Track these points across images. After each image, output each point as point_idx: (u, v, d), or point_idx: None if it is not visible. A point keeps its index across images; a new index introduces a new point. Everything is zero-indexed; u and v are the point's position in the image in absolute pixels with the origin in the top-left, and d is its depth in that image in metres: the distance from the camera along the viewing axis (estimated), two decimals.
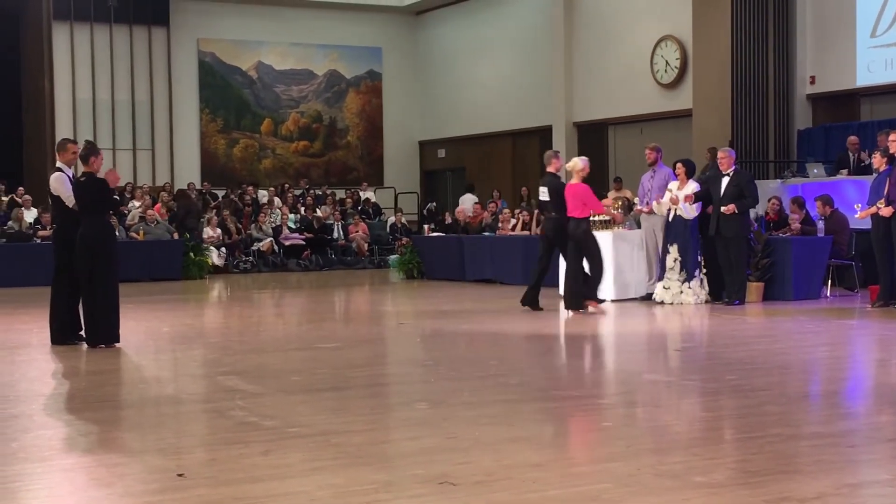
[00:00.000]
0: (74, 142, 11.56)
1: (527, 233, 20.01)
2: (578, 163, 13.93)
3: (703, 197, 14.63)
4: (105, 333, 10.65)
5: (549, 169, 14.20)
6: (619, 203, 16.06)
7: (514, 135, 28.30)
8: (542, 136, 26.99)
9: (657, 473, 5.38)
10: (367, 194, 28.84)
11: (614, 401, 7.73)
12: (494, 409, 7.20)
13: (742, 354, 9.78)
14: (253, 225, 25.04)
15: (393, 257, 23.85)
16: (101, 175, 10.87)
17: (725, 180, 14.31)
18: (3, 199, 24.35)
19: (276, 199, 26.76)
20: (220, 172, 28.87)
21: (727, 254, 14.29)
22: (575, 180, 13.85)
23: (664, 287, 14.63)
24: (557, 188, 13.95)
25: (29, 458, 6.02)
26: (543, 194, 14.20)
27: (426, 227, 24.07)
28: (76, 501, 5.17)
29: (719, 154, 14.76)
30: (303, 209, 26.62)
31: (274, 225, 25.23)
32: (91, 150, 10.92)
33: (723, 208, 14.14)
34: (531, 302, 14.24)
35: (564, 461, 5.72)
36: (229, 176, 28.82)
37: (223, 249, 23.79)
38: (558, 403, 7.63)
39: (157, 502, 5.04)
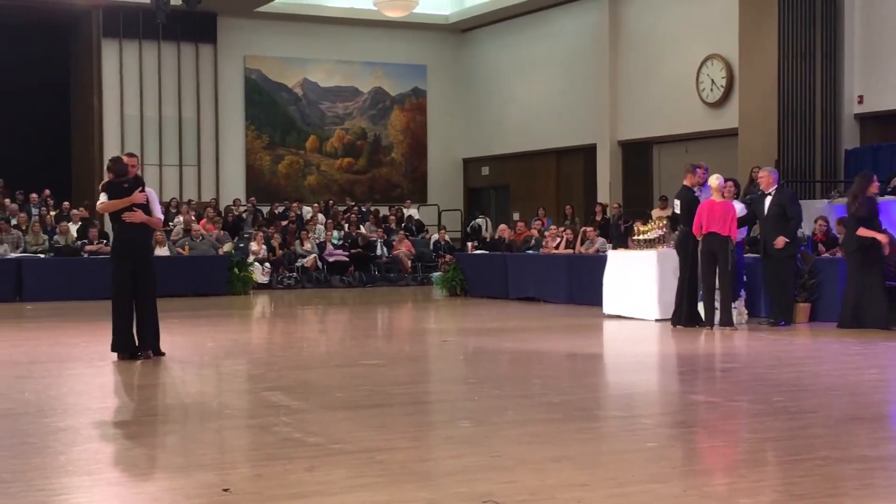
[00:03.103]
0: (133, 155, 11.66)
1: (570, 251, 19.97)
2: (714, 181, 13.85)
3: (749, 218, 14.55)
4: (143, 344, 10.85)
5: (685, 182, 14.15)
6: (664, 222, 15.98)
7: (559, 153, 28.26)
8: (587, 154, 26.96)
9: (702, 495, 5.34)
10: (411, 211, 28.91)
11: (659, 421, 7.68)
12: (538, 428, 7.19)
13: (789, 376, 9.70)
14: (297, 241, 25.15)
15: (436, 274, 23.88)
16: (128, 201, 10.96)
17: (769, 200, 14.19)
18: (51, 213, 24.62)
19: (321, 216, 26.88)
20: (265, 188, 29.04)
21: (775, 274, 14.18)
22: (716, 197, 13.75)
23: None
24: (689, 202, 13.92)
25: (76, 472, 6.08)
26: (676, 207, 14.21)
27: (469, 244, 24.08)
28: None
29: (760, 173, 14.65)
30: (347, 226, 26.71)
31: (318, 241, 25.34)
32: (123, 164, 11.14)
33: (775, 242, 13.94)
34: (689, 319, 14.01)
35: (609, 481, 5.69)
36: (274, 192, 28.98)
37: (267, 265, 23.91)
38: (602, 423, 7.60)
39: None
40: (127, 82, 27.32)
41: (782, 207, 14.04)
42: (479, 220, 28.67)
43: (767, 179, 14.28)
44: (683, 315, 14.04)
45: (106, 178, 11.41)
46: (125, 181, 11.01)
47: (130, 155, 11.66)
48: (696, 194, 14.14)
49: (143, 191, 11.09)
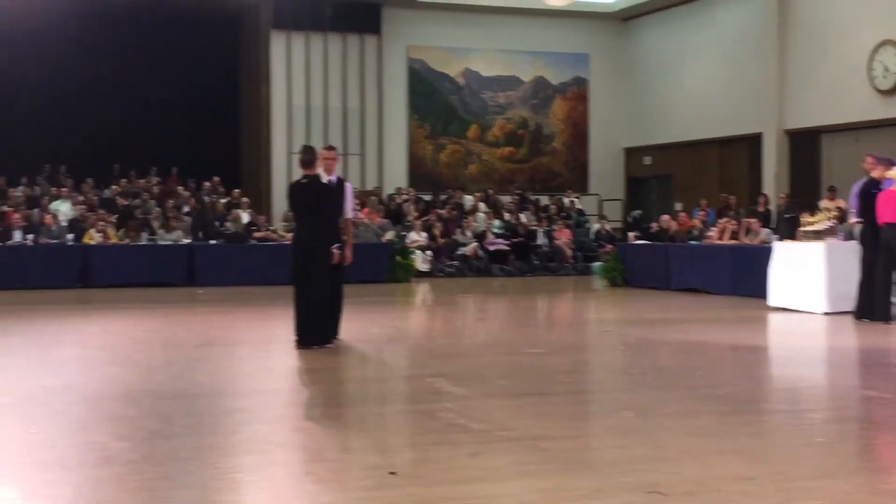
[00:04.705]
0: (331, 148, 11.76)
1: (734, 242, 19.61)
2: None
3: None
4: (316, 334, 10.88)
5: (873, 174, 13.81)
6: (834, 213, 15.56)
7: (722, 142, 27.75)
8: (752, 143, 26.40)
9: (874, 492, 5.21)
10: (572, 201, 28.79)
11: (828, 416, 7.51)
12: (702, 420, 7.11)
13: None
14: (458, 230, 25.33)
15: (597, 264, 23.75)
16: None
17: None
18: (222, 200, 25.29)
19: (482, 205, 27.00)
20: (427, 177, 29.30)
21: None
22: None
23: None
24: (869, 193, 13.61)
25: (249, 451, 6.27)
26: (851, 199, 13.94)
27: (631, 234, 23.86)
28: (294, 494, 5.36)
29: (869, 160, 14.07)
30: (507, 214, 26.77)
31: (479, 230, 25.47)
32: (313, 154, 11.19)
33: None
34: (870, 313, 13.62)
35: (776, 475, 5.59)
36: (436, 181, 29.21)
37: (429, 253, 24.15)
38: (768, 416, 7.47)
39: (371, 498, 5.17)
40: (294, 73, 27.89)
41: None
42: (635, 213, 28.40)
43: (879, 169, 13.75)
44: (865, 308, 13.64)
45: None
46: (307, 178, 11.02)
47: (329, 148, 11.76)
48: (879, 185, 13.67)
49: (333, 183, 11.17)
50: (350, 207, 11.54)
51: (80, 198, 23.64)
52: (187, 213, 23.46)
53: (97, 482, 5.47)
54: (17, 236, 20.95)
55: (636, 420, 7.13)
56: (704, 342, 11.83)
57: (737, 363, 10.55)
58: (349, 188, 11.62)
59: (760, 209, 22.23)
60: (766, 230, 19.75)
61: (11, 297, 17.93)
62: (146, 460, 5.93)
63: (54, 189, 24.10)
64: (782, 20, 25.15)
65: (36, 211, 22.31)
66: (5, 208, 22.20)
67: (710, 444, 6.34)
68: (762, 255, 16.58)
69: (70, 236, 21.40)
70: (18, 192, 23.51)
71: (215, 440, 6.51)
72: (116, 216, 22.76)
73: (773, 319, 14.50)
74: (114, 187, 25.08)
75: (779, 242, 16.43)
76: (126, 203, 24.01)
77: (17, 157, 25.17)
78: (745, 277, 17.91)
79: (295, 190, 11.09)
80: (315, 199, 10.89)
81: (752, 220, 20.19)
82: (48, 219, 21.63)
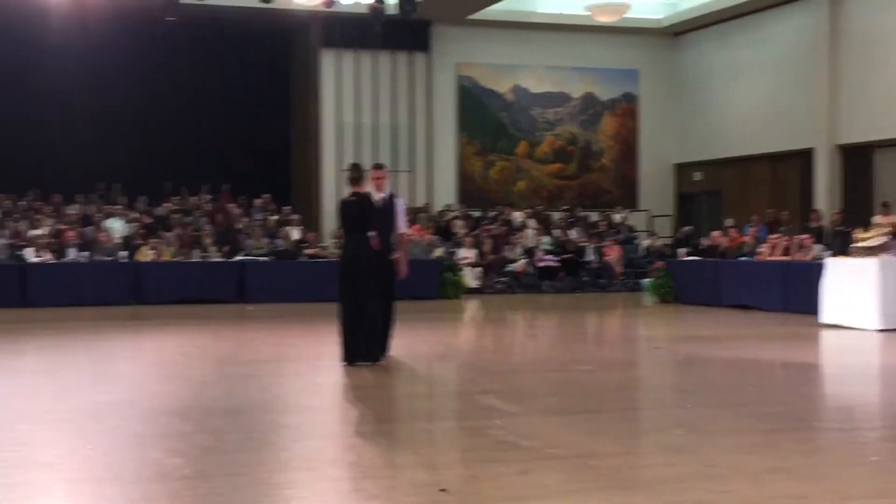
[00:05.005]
0: (380, 167, 11.87)
1: (787, 257, 19.47)
2: None
3: None
4: (364, 351, 10.93)
5: None
6: (887, 229, 15.41)
7: (773, 157, 27.56)
8: (803, 159, 26.20)
9: None
10: (621, 217, 28.70)
11: (882, 434, 7.44)
12: (753, 438, 7.07)
13: None
14: (507, 246, 25.32)
15: (646, 280, 23.65)
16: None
17: None
18: (272, 217, 25.47)
19: (531, 221, 26.98)
20: (477, 194, 29.33)
21: None
22: None
23: None
24: None
25: (299, 468, 6.32)
26: None
27: (681, 250, 23.74)
28: None
29: None
30: (556, 231, 26.74)
31: (528, 246, 25.46)
32: (361, 172, 11.32)
33: None
34: None
35: (829, 494, 5.55)
36: (485, 197, 29.24)
37: (478, 269, 24.18)
38: (820, 434, 7.41)
39: None
40: (344, 91, 28.06)
41: None
42: (686, 229, 28.25)
43: None
44: None
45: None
46: (356, 195, 11.15)
47: (377, 167, 11.87)
48: None
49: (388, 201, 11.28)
50: (403, 222, 11.61)
51: (134, 215, 23.90)
52: (239, 231, 23.59)
53: (152, 498, 5.54)
54: (72, 253, 21.24)
55: (687, 437, 7.10)
56: (756, 359, 11.75)
57: (788, 380, 10.48)
58: (401, 204, 11.71)
59: (813, 225, 22.06)
60: (819, 246, 19.59)
61: (66, 313, 18.17)
62: (199, 476, 6.00)
63: (108, 206, 24.38)
64: (834, 34, 24.97)
65: (90, 228, 22.59)
66: (61, 226, 22.51)
67: (762, 462, 6.30)
68: (814, 272, 16.45)
69: (123, 253, 21.64)
70: (73, 210, 23.81)
71: (266, 456, 6.57)
72: (168, 233, 22.98)
73: (826, 336, 14.37)
74: (166, 205, 25.31)
75: (831, 258, 16.29)
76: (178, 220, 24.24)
77: (71, 176, 25.50)
78: (796, 294, 17.77)
79: (343, 207, 11.22)
80: (362, 216, 10.99)
81: (805, 237, 20.03)
82: (102, 236, 21.90)
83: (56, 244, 21.39)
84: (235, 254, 22.28)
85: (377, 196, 11.28)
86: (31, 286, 20.14)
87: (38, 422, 7.82)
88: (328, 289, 17.84)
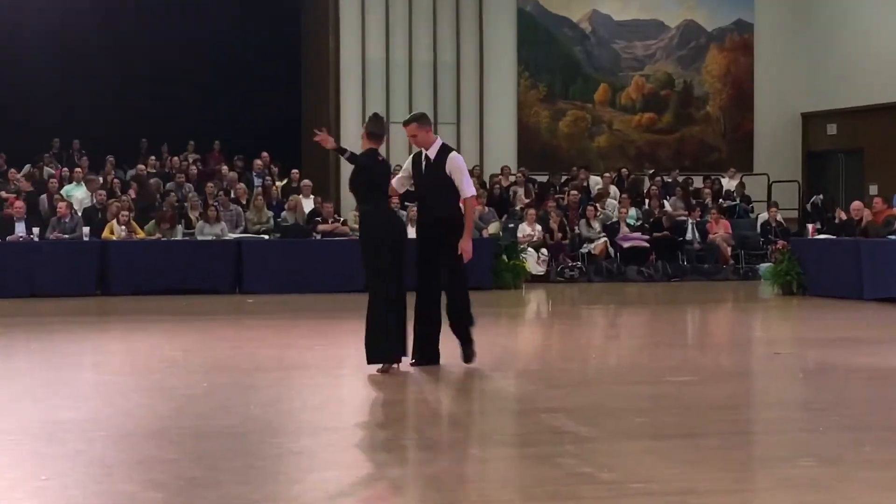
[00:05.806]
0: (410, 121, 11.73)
1: None
2: None
3: None
4: (373, 349, 11.00)
5: None
6: None
7: None
8: None
9: None
10: (732, 183, 28.60)
11: None
12: None
13: None
14: (582, 221, 25.30)
15: (764, 266, 23.56)
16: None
17: None
18: (277, 184, 25.49)
19: (613, 188, 26.94)
20: (542, 153, 29.30)
21: None
22: None
23: None
24: None
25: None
26: None
27: (810, 226, 23.63)
28: None
29: None
30: (647, 201, 26.68)
31: (609, 222, 25.42)
32: (383, 127, 11.33)
33: None
34: None
35: None
36: (553, 157, 29.21)
37: (544, 252, 24.17)
38: None
39: None
40: (370, 20, 28.04)
41: None
42: (817, 198, 28.15)
43: None
44: None
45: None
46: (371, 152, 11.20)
47: (409, 122, 11.57)
48: None
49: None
50: (467, 184, 11.44)
51: (99, 180, 23.98)
52: (234, 200, 23.54)
53: None
54: (20, 229, 21.29)
55: (818, 470, 7.09)
56: None
57: None
58: (460, 161, 11.59)
59: None
60: None
61: (14, 307, 18.29)
62: None
63: (66, 170, 24.51)
64: None
65: (43, 197, 22.73)
66: (4, 194, 22.59)
67: None
68: None
69: (86, 230, 21.68)
70: (21, 174, 23.98)
71: (271, 491, 6.61)
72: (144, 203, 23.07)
73: None
74: (140, 167, 25.38)
75: None
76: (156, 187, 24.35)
77: (18, 130, 25.63)
78: None
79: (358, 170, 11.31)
80: (370, 181, 11.09)
81: None
82: (61, 208, 21.93)
83: None
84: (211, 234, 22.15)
85: (423, 154, 11.33)
86: None
87: None
88: (350, 275, 17.97)
